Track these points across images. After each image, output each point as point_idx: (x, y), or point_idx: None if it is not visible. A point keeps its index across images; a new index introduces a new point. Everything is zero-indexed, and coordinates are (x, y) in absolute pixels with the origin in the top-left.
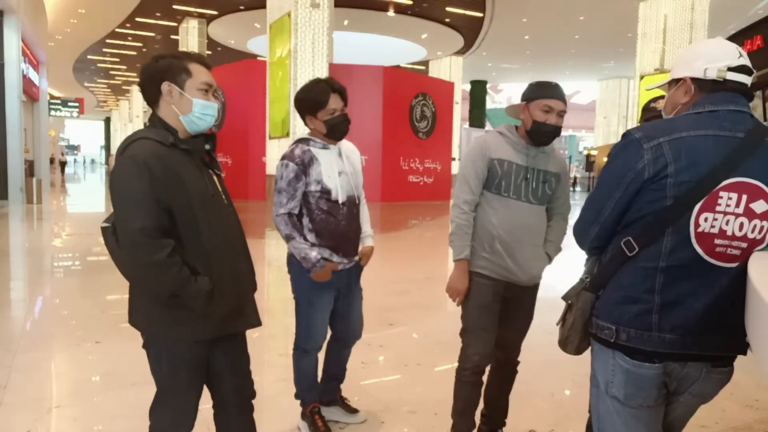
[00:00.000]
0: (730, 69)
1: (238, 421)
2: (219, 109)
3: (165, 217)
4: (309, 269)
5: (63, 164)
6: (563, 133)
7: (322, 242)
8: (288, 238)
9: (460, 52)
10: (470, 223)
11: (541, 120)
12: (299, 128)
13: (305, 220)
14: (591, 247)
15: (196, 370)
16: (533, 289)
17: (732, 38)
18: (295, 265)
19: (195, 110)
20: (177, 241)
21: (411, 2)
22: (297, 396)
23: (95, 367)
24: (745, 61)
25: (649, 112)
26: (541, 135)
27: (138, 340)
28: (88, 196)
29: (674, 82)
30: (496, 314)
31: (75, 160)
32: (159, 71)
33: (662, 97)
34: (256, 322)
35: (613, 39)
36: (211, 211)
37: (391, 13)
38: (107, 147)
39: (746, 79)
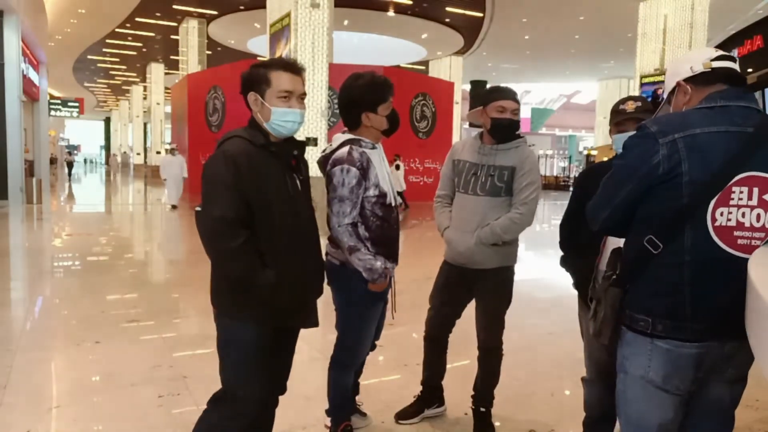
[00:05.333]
0: (712, 60)
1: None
2: (304, 114)
3: (244, 210)
4: (373, 280)
5: (70, 165)
6: (563, 132)
7: (378, 250)
8: (352, 250)
9: (460, 52)
10: (441, 210)
11: (497, 117)
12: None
13: (360, 229)
14: (602, 227)
15: (261, 357)
16: (486, 273)
17: (732, 38)
18: (345, 277)
19: (273, 118)
20: (252, 233)
21: (411, 2)
22: (329, 413)
23: (95, 367)
24: (723, 53)
25: (619, 114)
26: (500, 130)
27: (138, 341)
28: (93, 198)
29: (671, 94)
30: (452, 296)
31: (86, 160)
32: (247, 82)
33: (631, 98)
34: (315, 323)
35: (613, 39)
36: (287, 211)
37: (391, 13)
38: (107, 147)
39: (732, 64)
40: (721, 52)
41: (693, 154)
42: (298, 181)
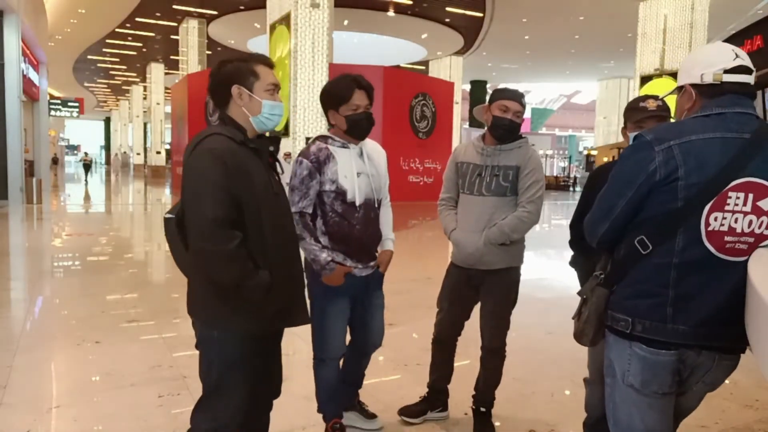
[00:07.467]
0: (726, 71)
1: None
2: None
3: (235, 210)
4: (319, 272)
5: (87, 167)
6: (563, 132)
7: (335, 246)
8: (298, 239)
9: (460, 52)
10: (447, 212)
11: (498, 116)
12: (299, 127)
13: (319, 222)
14: (600, 241)
15: (247, 367)
16: (494, 274)
17: (732, 38)
18: (310, 269)
19: (264, 111)
20: (243, 234)
21: (411, 2)
22: (318, 410)
23: (95, 367)
24: (743, 61)
25: (639, 112)
26: (499, 129)
27: (137, 341)
28: (94, 198)
29: (679, 90)
30: (461, 298)
31: (93, 161)
32: (228, 75)
33: (652, 96)
34: (305, 320)
35: (613, 39)
36: (273, 210)
37: (391, 13)
38: (107, 147)
39: (745, 78)
40: (739, 62)
41: (689, 159)
42: (277, 179)
